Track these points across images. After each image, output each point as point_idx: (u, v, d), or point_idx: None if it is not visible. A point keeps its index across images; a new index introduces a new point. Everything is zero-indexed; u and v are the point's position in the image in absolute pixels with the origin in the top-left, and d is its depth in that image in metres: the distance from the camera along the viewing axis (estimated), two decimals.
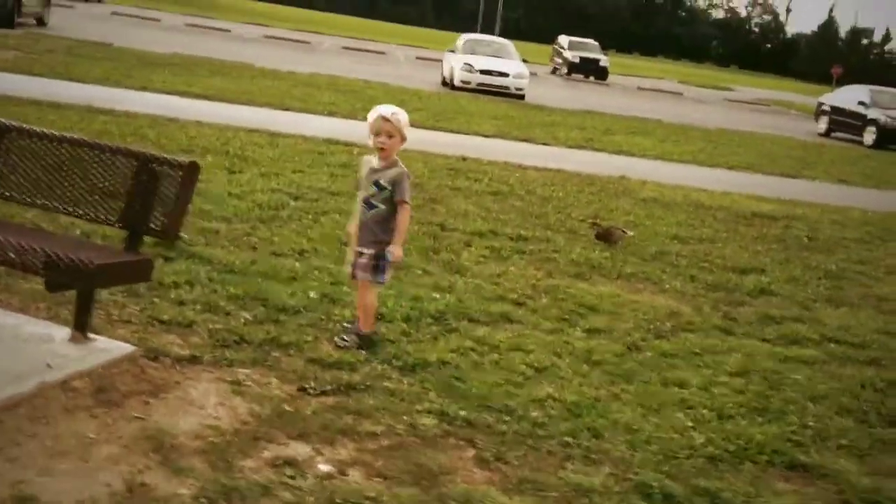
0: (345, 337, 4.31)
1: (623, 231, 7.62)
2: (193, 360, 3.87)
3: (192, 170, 3.93)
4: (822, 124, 26.46)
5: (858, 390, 4.65)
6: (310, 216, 6.87)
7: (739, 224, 9.30)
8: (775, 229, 9.26)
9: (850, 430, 4.11)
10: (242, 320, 4.41)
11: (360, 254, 4.33)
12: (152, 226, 3.88)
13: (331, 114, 14.01)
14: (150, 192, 3.87)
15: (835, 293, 6.79)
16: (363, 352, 4.21)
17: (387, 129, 4.24)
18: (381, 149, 4.27)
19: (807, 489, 3.51)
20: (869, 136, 24.05)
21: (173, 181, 3.87)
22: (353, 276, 4.41)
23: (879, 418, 4.31)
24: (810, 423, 4.10)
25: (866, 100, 24.89)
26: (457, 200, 8.45)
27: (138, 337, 4.00)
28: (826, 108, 26.75)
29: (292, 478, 3.03)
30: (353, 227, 4.45)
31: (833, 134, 25.64)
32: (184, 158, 4.06)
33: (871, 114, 24.24)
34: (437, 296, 5.23)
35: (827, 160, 18.19)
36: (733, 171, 14.30)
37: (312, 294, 4.94)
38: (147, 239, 4.01)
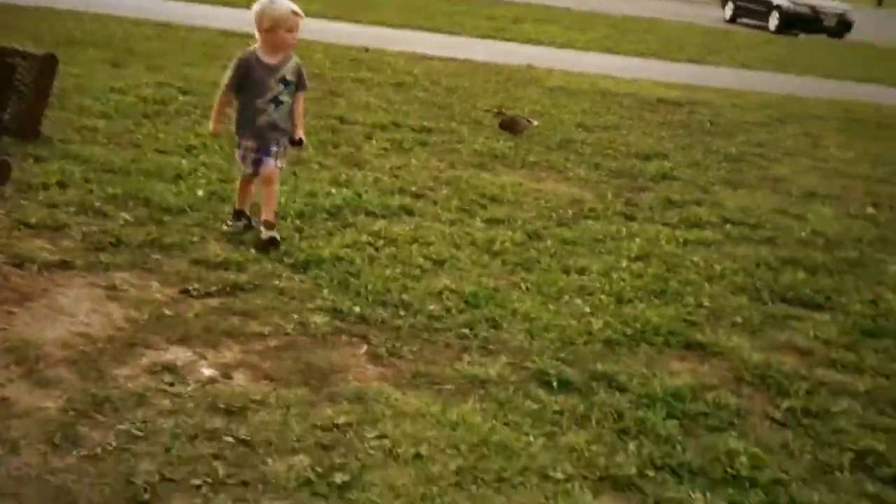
0: (266, 230, 4.10)
1: (528, 120, 7.48)
2: (64, 265, 3.60)
3: (50, 62, 3.60)
4: (728, 11, 26.61)
5: (753, 269, 4.72)
6: (199, 111, 6.47)
7: (644, 111, 9.27)
8: (679, 115, 9.27)
9: (744, 308, 4.17)
10: (121, 222, 4.14)
11: (268, 148, 4.17)
12: (7, 123, 3.54)
13: (226, 3, 13.22)
14: (2, 86, 3.51)
15: (734, 176, 6.86)
16: (253, 251, 4.02)
17: (298, 25, 4.16)
18: (291, 44, 4.19)
19: (701, 367, 3.55)
20: (773, 21, 24.31)
21: (29, 75, 3.52)
22: (255, 173, 4.21)
23: (772, 295, 4.38)
24: (706, 304, 4.14)
25: None
26: (358, 93, 8.13)
27: (1, 243, 3.69)
28: None
29: (171, 384, 2.86)
30: (221, 127, 4.30)
31: (739, 20, 25.83)
32: (41, 50, 3.69)
33: None
34: (334, 190, 5.03)
35: (732, 46, 18.32)
36: (640, 57, 14.24)
37: (200, 192, 4.68)
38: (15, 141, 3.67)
